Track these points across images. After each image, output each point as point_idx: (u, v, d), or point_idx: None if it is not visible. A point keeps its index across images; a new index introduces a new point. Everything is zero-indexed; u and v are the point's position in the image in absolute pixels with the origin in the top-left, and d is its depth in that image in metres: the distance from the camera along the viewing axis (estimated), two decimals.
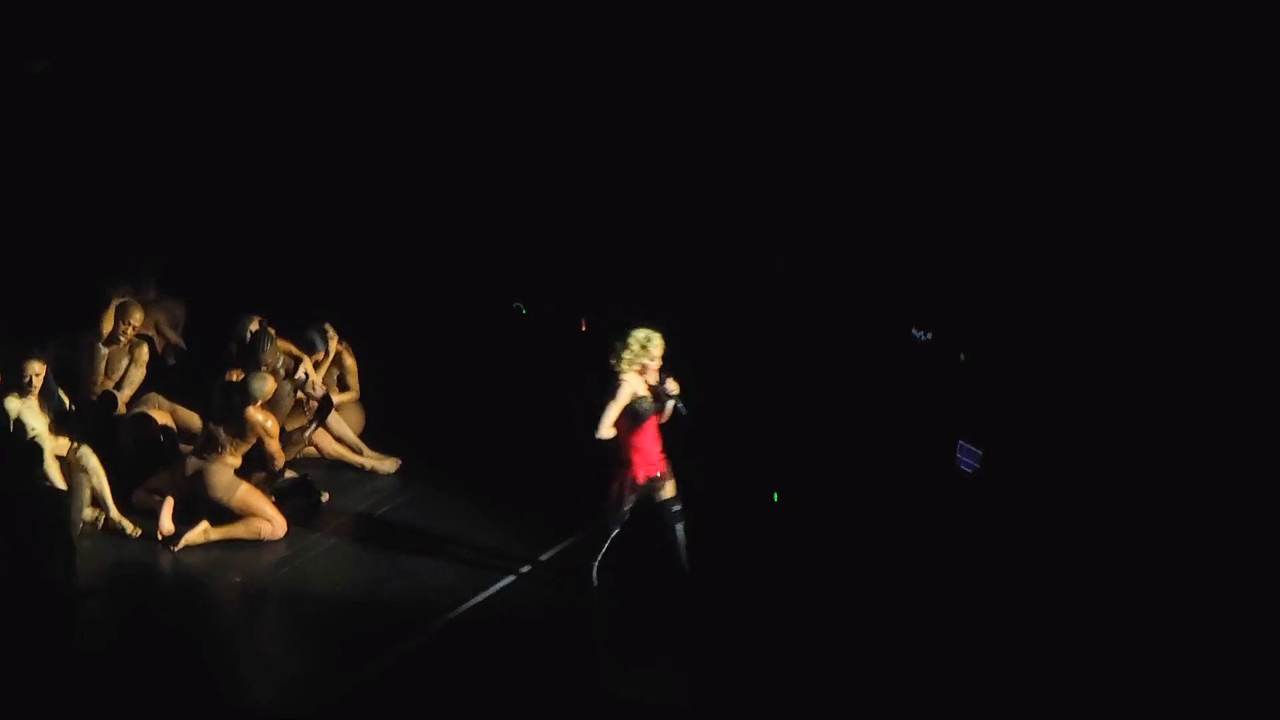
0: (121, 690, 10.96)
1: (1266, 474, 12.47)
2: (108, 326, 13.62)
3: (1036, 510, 12.60)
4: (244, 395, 12.80)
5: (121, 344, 13.64)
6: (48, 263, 14.67)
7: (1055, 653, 11.32)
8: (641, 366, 11.53)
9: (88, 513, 12.61)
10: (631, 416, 11.54)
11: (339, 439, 13.79)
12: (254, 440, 12.84)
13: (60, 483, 12.36)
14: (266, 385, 12.83)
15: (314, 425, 13.38)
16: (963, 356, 13.62)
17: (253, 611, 12.32)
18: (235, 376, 13.02)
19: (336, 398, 13.90)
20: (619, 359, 11.50)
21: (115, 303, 13.63)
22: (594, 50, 15.00)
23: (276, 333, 13.32)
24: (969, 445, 11.61)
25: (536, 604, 12.18)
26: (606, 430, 11.50)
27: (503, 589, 12.33)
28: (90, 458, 12.60)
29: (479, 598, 12.18)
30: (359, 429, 14.02)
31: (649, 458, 11.67)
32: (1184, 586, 11.82)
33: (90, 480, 12.57)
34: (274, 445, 12.89)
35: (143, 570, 12.54)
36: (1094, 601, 11.80)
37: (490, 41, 15.34)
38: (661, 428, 11.77)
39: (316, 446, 13.69)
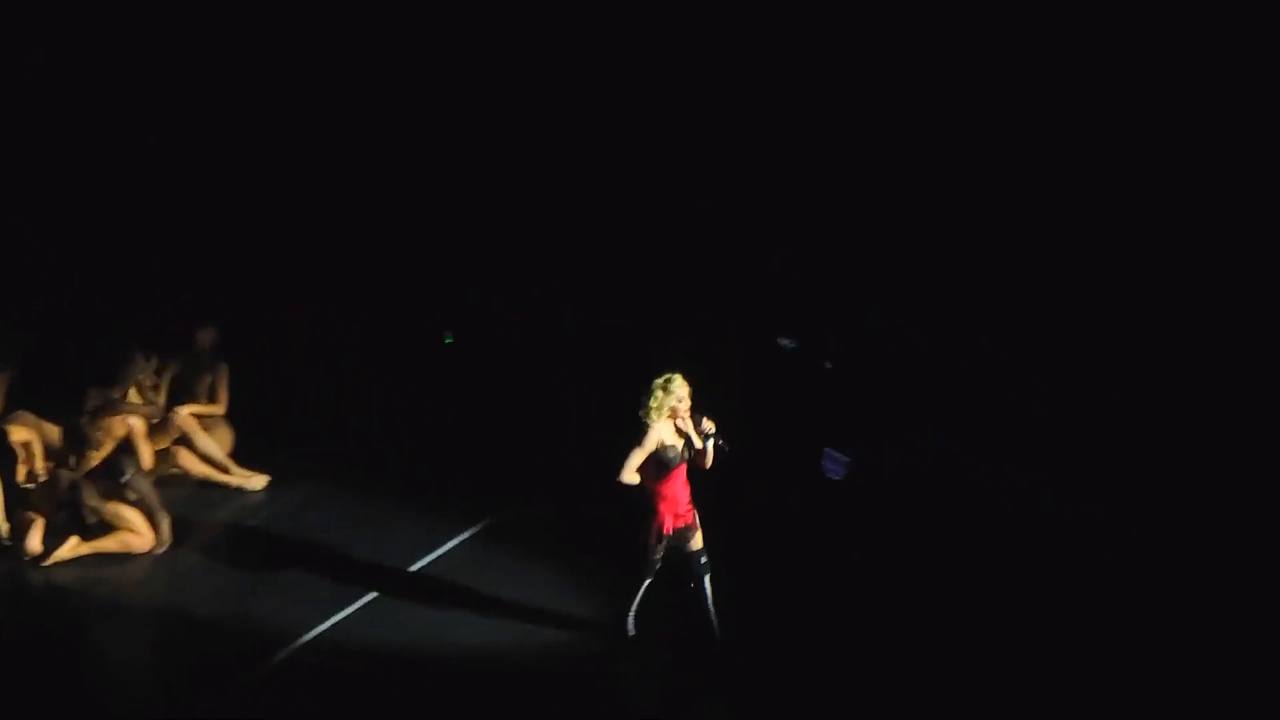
0: None
1: (1266, 474, 12.42)
2: None
3: (1036, 510, 12.46)
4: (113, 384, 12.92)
5: None
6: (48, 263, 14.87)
7: (1055, 653, 11.19)
8: (672, 411, 11.31)
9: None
10: (658, 465, 11.21)
11: (206, 458, 13.73)
12: (120, 439, 12.93)
13: None
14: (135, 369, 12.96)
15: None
16: (828, 365, 13.57)
17: (121, 626, 12.14)
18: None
19: (204, 409, 13.91)
20: (647, 410, 11.18)
21: None
22: (592, 50, 15.06)
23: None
24: (835, 453, 11.37)
25: (405, 617, 12.04)
26: (630, 475, 11.16)
27: (371, 602, 12.19)
28: None
29: (347, 611, 12.05)
30: (228, 448, 13.88)
31: (677, 507, 11.32)
32: (1184, 586, 11.74)
33: None
34: (143, 446, 13.05)
35: (12, 586, 12.52)
36: (1093, 601, 11.65)
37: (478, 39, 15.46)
38: (692, 476, 11.45)
39: (183, 466, 13.63)
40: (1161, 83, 13.43)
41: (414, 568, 12.62)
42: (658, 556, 11.36)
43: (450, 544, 12.83)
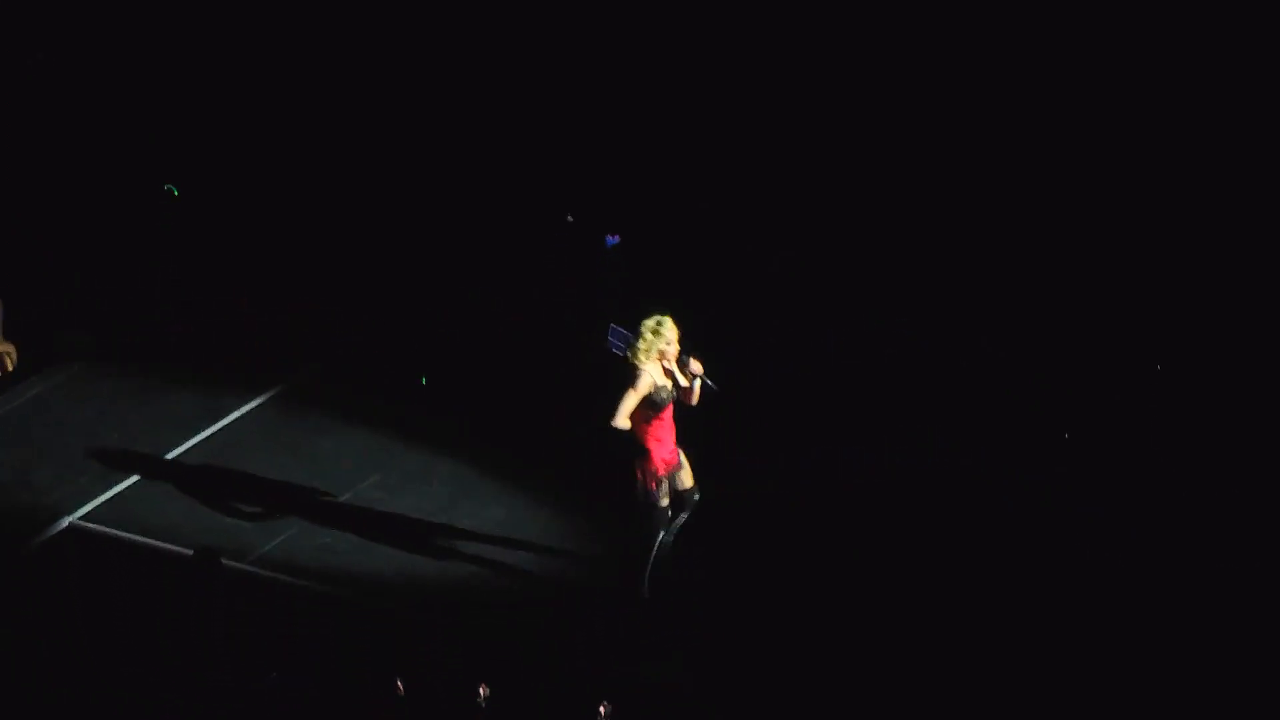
0: None
1: (1266, 474, 12.41)
2: None
3: (1036, 510, 12.43)
4: None
5: None
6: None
7: (1055, 653, 11.21)
8: (660, 353, 11.22)
9: None
10: (650, 406, 11.12)
11: None
12: None
13: None
14: None
15: None
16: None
17: None
18: None
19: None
20: (635, 353, 11.14)
21: None
22: (592, 50, 15.04)
23: None
24: (619, 328, 11.29)
25: (189, 488, 12.25)
26: (623, 420, 11.06)
27: (151, 474, 12.30)
28: None
29: (124, 485, 12.21)
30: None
31: (667, 447, 11.28)
32: (1184, 587, 11.72)
33: None
34: None
35: None
36: (1093, 602, 11.63)
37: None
38: (678, 417, 11.36)
39: None
40: (1161, 83, 13.42)
41: (198, 438, 12.66)
42: (664, 501, 11.27)
43: (236, 413, 12.89)
